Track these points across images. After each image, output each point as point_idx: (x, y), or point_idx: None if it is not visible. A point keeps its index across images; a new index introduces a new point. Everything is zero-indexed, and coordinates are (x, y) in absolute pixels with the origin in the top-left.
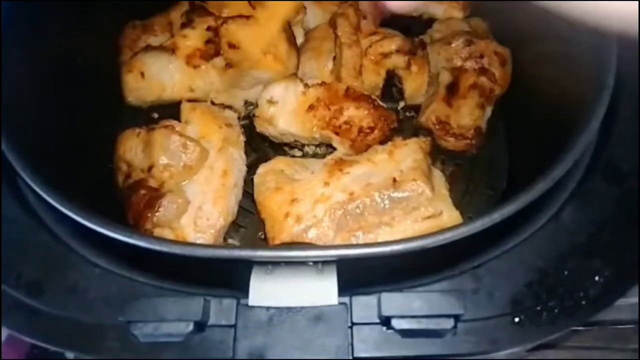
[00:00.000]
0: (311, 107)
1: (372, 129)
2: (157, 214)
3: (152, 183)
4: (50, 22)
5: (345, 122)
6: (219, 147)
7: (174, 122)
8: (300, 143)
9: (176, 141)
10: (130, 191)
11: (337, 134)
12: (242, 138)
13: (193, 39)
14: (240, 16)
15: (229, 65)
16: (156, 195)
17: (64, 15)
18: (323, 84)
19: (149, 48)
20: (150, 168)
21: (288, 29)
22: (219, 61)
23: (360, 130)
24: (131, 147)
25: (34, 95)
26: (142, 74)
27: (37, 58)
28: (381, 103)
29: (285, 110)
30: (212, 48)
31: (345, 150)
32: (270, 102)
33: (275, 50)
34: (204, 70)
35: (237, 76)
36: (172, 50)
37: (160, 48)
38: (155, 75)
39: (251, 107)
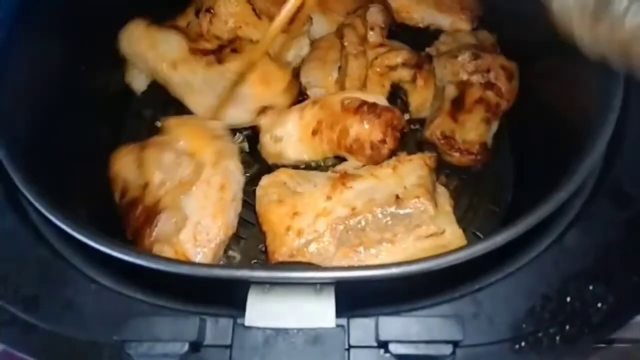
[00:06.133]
0: (315, 132)
1: (383, 141)
2: (155, 230)
3: (149, 201)
4: (52, 34)
5: (355, 141)
6: (213, 162)
7: (166, 138)
8: None
9: (170, 157)
10: (127, 209)
11: (351, 153)
12: (236, 147)
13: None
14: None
15: (219, 60)
16: (153, 212)
17: (67, 28)
18: (315, 102)
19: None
20: (145, 185)
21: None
22: (211, 59)
23: (373, 145)
24: (125, 165)
25: (34, 108)
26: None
27: (38, 71)
28: (380, 102)
29: (291, 142)
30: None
31: (362, 163)
32: (274, 139)
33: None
34: (196, 60)
35: (220, 78)
36: (184, 32)
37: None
38: (158, 41)
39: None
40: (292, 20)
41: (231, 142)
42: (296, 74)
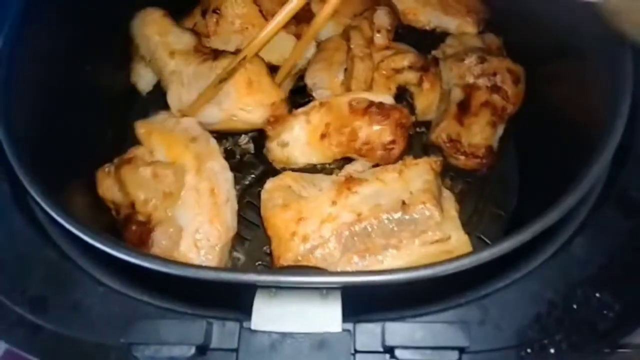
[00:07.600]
0: (323, 135)
1: (393, 142)
2: (152, 249)
3: (140, 217)
4: (57, 35)
5: (365, 143)
6: (196, 167)
7: (139, 151)
8: None
9: (146, 173)
10: (124, 225)
11: (361, 156)
12: (214, 143)
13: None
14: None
15: (215, 57)
16: (146, 230)
17: (72, 28)
18: (322, 104)
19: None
20: (133, 205)
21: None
22: (208, 57)
23: (383, 147)
24: (108, 187)
25: (41, 109)
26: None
27: (44, 72)
28: (387, 101)
29: (298, 146)
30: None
31: (372, 163)
32: (281, 144)
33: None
34: (195, 56)
35: (209, 73)
36: (193, 30)
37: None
38: (169, 33)
39: None
40: (299, 20)
41: (209, 140)
42: (301, 76)
